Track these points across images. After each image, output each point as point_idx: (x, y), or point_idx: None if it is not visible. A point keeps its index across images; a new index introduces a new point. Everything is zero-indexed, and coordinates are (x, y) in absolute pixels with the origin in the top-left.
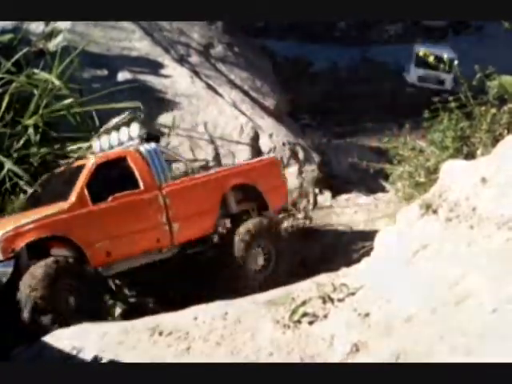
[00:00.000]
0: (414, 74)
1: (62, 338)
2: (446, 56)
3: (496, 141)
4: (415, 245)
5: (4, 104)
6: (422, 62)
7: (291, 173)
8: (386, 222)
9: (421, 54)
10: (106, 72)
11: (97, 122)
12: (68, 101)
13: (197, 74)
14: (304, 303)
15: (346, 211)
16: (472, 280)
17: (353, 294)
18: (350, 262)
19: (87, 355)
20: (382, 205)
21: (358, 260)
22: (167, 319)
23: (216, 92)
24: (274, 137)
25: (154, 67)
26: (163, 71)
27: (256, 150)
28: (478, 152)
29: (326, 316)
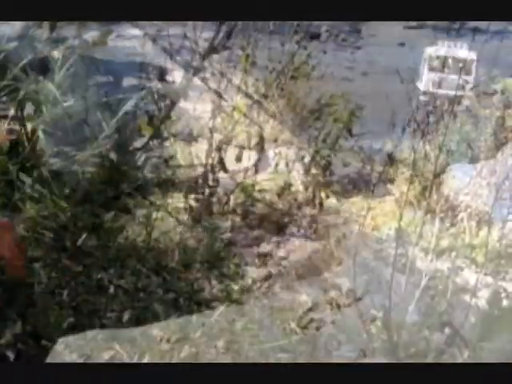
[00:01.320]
0: (427, 80)
1: (70, 345)
2: (464, 57)
3: (501, 144)
4: (420, 248)
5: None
6: (436, 65)
7: (296, 177)
8: (391, 225)
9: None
10: (110, 78)
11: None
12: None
13: (201, 78)
14: (311, 309)
15: (351, 215)
16: (473, 279)
17: (359, 299)
18: (356, 267)
19: (95, 362)
20: (387, 208)
21: (364, 264)
22: (175, 325)
23: (220, 96)
24: (279, 141)
25: (159, 72)
26: (167, 76)
27: (261, 154)
28: (483, 156)
29: (333, 322)
